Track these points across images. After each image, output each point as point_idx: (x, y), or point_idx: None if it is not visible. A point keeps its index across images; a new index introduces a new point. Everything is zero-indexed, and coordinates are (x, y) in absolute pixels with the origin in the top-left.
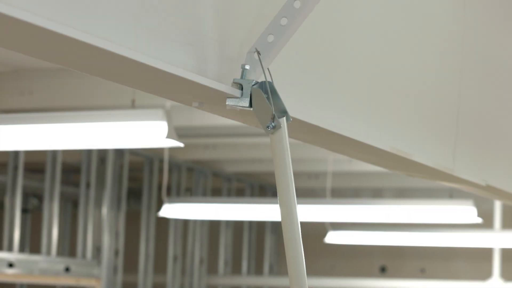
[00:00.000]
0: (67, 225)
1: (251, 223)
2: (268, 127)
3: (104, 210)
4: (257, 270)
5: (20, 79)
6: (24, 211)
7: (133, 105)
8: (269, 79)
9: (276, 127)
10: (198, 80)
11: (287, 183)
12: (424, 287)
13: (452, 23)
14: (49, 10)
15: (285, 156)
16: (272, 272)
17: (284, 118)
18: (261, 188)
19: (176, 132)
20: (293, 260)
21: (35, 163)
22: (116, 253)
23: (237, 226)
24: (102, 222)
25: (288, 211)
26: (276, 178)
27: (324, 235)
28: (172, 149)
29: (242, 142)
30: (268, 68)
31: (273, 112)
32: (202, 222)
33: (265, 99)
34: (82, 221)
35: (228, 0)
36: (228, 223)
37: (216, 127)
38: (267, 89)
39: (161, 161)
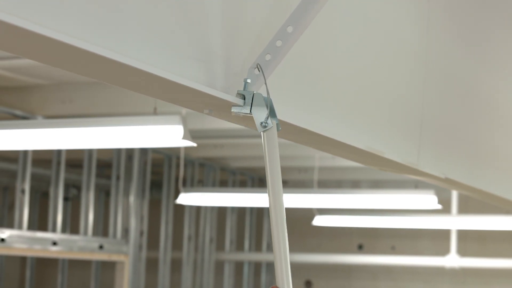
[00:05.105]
0: (100, 210)
1: (252, 209)
2: (261, 123)
3: (131, 199)
4: (257, 247)
5: (62, 90)
6: (66, 199)
7: (155, 112)
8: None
9: (268, 126)
10: (208, 91)
11: (276, 174)
12: (394, 262)
13: (417, 44)
14: (86, 33)
15: (275, 151)
16: (269, 249)
17: (275, 122)
18: (260, 180)
19: (190, 134)
20: (278, 241)
21: (75, 160)
22: (141, 233)
23: (241, 212)
24: (130, 208)
25: (275, 199)
26: (266, 170)
27: (312, 218)
28: (187, 148)
29: (245, 142)
30: (265, 83)
31: (268, 113)
32: (212, 208)
33: (263, 102)
34: (113, 207)
35: (234, 25)
36: (233, 209)
37: (223, 130)
38: (267, 103)
39: (178, 158)
